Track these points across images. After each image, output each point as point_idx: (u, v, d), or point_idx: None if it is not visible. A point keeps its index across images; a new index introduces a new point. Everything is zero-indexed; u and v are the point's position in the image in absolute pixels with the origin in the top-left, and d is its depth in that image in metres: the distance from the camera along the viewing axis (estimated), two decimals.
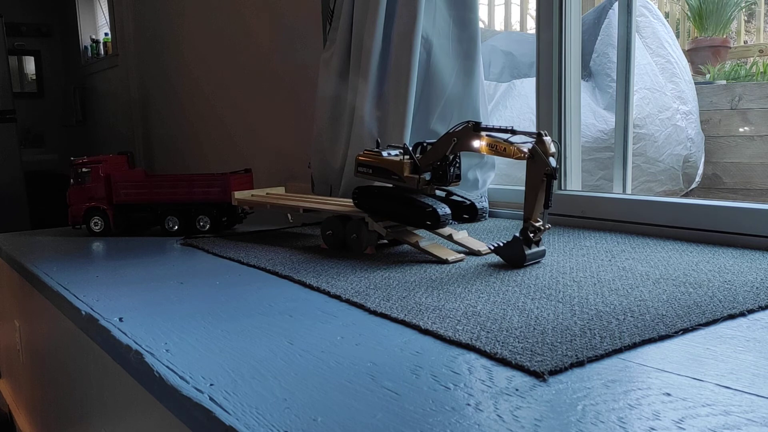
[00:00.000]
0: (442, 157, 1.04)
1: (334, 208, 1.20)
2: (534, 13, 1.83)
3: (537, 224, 0.97)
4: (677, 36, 3.26)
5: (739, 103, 2.50)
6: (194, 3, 2.67)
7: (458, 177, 1.08)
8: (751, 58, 3.13)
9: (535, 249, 0.99)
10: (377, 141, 1.20)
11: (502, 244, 1.01)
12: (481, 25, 2.12)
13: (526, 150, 0.95)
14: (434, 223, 1.04)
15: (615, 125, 1.47)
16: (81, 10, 4.43)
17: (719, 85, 2.65)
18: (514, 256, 0.99)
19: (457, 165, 1.07)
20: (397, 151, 1.12)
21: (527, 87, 2.12)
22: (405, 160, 1.07)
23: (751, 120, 2.48)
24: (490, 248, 1.03)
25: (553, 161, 0.93)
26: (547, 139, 0.94)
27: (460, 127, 1.01)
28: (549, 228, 0.99)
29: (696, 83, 2.45)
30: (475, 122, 1.00)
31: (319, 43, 1.82)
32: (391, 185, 1.10)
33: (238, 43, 2.35)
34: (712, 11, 3.12)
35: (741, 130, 2.44)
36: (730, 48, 3.14)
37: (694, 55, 3.06)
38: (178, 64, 2.90)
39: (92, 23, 4.47)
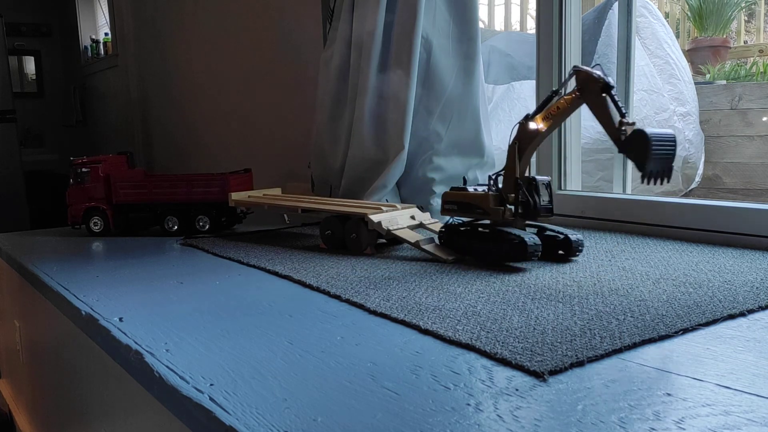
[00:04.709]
0: (517, 177, 0.98)
1: (332, 208, 1.20)
2: (534, 13, 1.83)
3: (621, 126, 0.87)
4: (677, 36, 3.25)
5: (739, 103, 2.50)
6: (194, 3, 2.67)
7: (549, 210, 1.00)
8: (751, 58, 3.13)
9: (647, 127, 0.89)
10: (464, 178, 1.14)
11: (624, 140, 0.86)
12: (481, 25, 2.12)
13: (572, 91, 0.93)
14: (521, 255, 0.96)
15: None
16: (81, 10, 4.43)
17: (719, 85, 2.65)
18: (641, 148, 0.84)
19: (548, 199, 1.00)
20: (483, 188, 1.07)
21: (525, 90, 2.12)
22: (490, 193, 1.02)
23: (751, 120, 2.48)
24: (622, 137, 0.87)
25: (600, 74, 0.88)
26: (585, 68, 0.91)
27: (514, 131, 0.99)
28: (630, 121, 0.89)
29: (696, 83, 2.45)
30: (526, 114, 0.98)
31: (319, 43, 1.82)
32: (479, 222, 1.05)
33: (238, 43, 2.35)
34: (712, 11, 3.12)
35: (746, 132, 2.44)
36: (730, 48, 3.14)
37: (694, 55, 3.06)
38: (178, 63, 2.90)
39: (92, 23, 4.47)
